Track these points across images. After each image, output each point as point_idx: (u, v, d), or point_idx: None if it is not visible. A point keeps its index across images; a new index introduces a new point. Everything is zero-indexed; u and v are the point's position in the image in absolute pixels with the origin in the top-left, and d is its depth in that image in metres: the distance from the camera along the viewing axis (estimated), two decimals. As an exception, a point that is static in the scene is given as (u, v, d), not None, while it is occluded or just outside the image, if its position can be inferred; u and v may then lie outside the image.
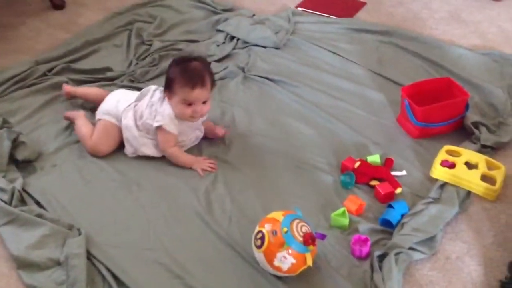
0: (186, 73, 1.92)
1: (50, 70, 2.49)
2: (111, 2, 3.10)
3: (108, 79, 2.44)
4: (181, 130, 2.01)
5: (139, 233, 1.77)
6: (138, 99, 2.07)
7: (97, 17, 2.95)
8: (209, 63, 2.02)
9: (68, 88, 2.31)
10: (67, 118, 2.20)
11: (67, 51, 2.62)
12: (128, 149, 2.05)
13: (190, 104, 1.94)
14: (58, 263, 1.65)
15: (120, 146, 2.08)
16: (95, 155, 2.05)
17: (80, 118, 2.14)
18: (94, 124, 2.11)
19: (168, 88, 1.96)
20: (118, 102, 2.08)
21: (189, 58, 1.98)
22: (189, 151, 2.07)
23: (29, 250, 1.67)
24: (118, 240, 1.75)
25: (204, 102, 1.96)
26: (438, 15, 2.88)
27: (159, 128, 1.99)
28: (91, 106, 2.24)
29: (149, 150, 2.04)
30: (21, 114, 2.26)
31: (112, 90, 2.23)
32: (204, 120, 2.09)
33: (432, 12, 2.91)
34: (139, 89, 2.19)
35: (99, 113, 2.11)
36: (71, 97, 2.31)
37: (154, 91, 2.06)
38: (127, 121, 2.03)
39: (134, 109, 2.04)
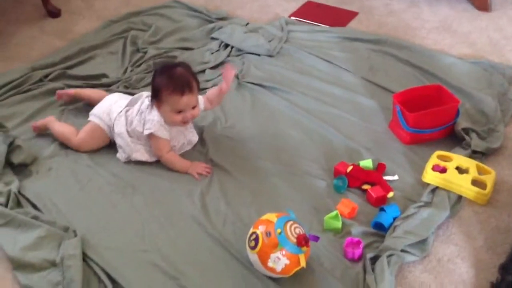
0: (172, 81, 1.92)
1: (46, 76, 2.51)
2: (106, 11, 3.13)
3: (103, 85, 2.46)
4: (170, 135, 2.03)
5: (134, 235, 1.79)
6: (130, 105, 2.10)
7: (92, 26, 2.97)
8: (190, 67, 2.03)
9: (71, 91, 2.33)
10: (37, 129, 2.21)
11: (63, 57, 2.64)
12: (121, 155, 2.07)
13: (180, 112, 1.95)
14: (53, 264, 1.66)
15: (111, 148, 2.10)
16: (77, 150, 2.11)
17: (54, 122, 2.19)
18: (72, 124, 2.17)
19: (156, 98, 1.97)
20: (110, 108, 2.11)
21: (171, 65, 2.01)
22: (184, 156, 2.09)
23: (25, 251, 1.69)
24: (113, 242, 1.76)
25: (193, 107, 1.98)
26: (429, 25, 2.93)
27: (150, 135, 2.01)
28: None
29: (141, 155, 2.05)
30: (17, 119, 2.28)
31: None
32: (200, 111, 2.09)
33: (423, 22, 2.96)
34: (133, 95, 2.21)
35: (92, 115, 2.14)
36: (72, 99, 2.33)
37: (145, 98, 2.08)
38: (119, 128, 2.05)
39: (126, 114, 2.07)
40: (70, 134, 2.13)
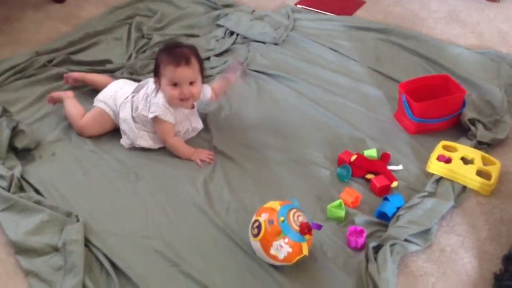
0: (171, 54, 1.95)
1: (50, 61, 2.50)
2: (112, -3, 3.12)
3: (108, 71, 2.45)
4: (175, 119, 2.02)
5: (137, 221, 1.78)
6: (136, 91, 2.09)
7: (97, 11, 2.96)
8: (196, 49, 2.04)
9: (76, 74, 2.33)
10: (52, 99, 2.21)
11: (68, 42, 2.63)
12: (125, 141, 2.07)
13: (176, 85, 1.95)
14: (56, 249, 1.66)
15: (115, 134, 2.10)
16: (81, 134, 2.11)
17: (70, 98, 2.18)
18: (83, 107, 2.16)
19: (157, 74, 1.98)
20: (116, 93, 2.11)
21: (175, 44, 2.02)
22: (188, 143, 2.08)
23: (27, 235, 1.68)
24: (116, 228, 1.76)
25: (192, 84, 1.96)
26: (437, 15, 2.90)
27: (155, 119, 2.00)
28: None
29: (146, 142, 2.05)
30: (21, 104, 2.27)
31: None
32: (206, 100, 2.12)
33: (431, 12, 2.93)
34: (138, 81, 2.20)
35: (97, 100, 2.14)
36: (77, 83, 2.33)
37: (151, 83, 2.08)
38: (125, 114, 2.05)
39: (132, 100, 2.06)
40: (77, 115, 2.12)
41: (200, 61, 2.01)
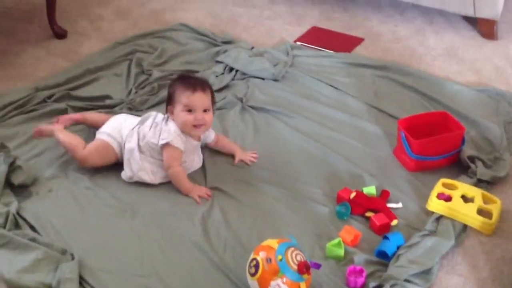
0: (187, 82, 2.02)
1: (49, 97, 2.50)
2: (113, 33, 3.14)
3: (107, 107, 2.45)
4: (185, 148, 2.02)
5: (132, 259, 1.76)
6: (141, 122, 2.10)
7: (98, 47, 2.98)
8: (208, 82, 2.15)
9: (75, 115, 2.28)
10: (40, 133, 2.17)
11: (67, 78, 2.63)
12: (126, 173, 2.05)
13: (191, 111, 1.97)
14: (50, 288, 1.63)
15: (113, 169, 2.09)
16: (82, 164, 2.08)
17: (61, 130, 2.15)
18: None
19: (170, 102, 2.03)
20: (121, 125, 2.12)
21: (189, 75, 2.14)
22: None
23: (21, 273, 1.66)
24: (111, 265, 1.73)
25: (205, 111, 1.99)
26: (435, 52, 2.92)
27: (165, 145, 2.00)
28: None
29: (147, 176, 2.03)
30: (19, 139, 2.26)
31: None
32: (208, 141, 2.15)
33: (429, 49, 2.95)
34: (139, 116, 2.20)
35: (100, 133, 2.13)
36: (72, 123, 2.28)
37: (156, 114, 2.12)
38: (131, 144, 2.05)
39: (138, 131, 2.07)
40: (78, 145, 2.09)
41: (213, 93, 2.07)
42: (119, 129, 2.11)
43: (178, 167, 2.01)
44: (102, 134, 2.12)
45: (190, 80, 2.03)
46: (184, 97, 1.98)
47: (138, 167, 2.03)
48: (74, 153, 2.10)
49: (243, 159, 2.16)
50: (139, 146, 2.04)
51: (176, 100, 2.00)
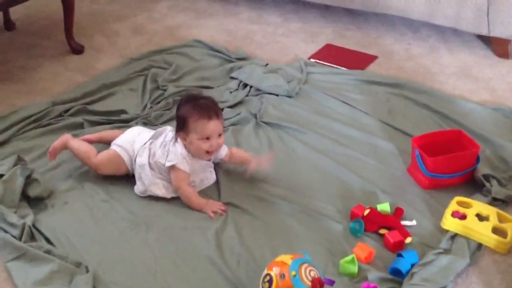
0: (199, 107, 1.98)
1: (66, 111, 2.53)
2: (128, 49, 3.18)
3: (122, 121, 2.48)
4: (192, 169, 2.02)
5: (145, 272, 1.76)
6: (154, 137, 2.12)
7: (114, 63, 3.02)
8: (214, 99, 2.10)
9: (91, 136, 2.26)
10: (54, 151, 2.16)
11: (84, 93, 2.67)
12: (139, 188, 2.07)
13: (207, 138, 1.97)
14: (64, 300, 1.64)
15: (128, 182, 2.11)
16: (95, 171, 2.12)
17: (72, 140, 2.16)
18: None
19: (182, 127, 2.00)
20: (134, 139, 2.13)
21: (196, 96, 2.07)
22: (200, 194, 2.07)
23: (36, 285, 1.67)
24: (125, 279, 1.74)
25: (219, 136, 2.00)
26: (449, 70, 2.93)
27: (172, 167, 2.01)
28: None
29: (159, 190, 2.05)
30: (35, 152, 2.29)
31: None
32: (219, 158, 2.14)
33: (443, 67, 2.96)
34: (154, 130, 2.22)
35: (114, 145, 2.15)
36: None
37: (169, 131, 2.11)
38: (142, 160, 2.06)
39: (149, 146, 2.08)
40: (91, 152, 2.12)
41: (221, 113, 2.06)
42: (132, 142, 2.12)
43: (186, 187, 2.02)
44: (115, 146, 2.14)
45: (201, 106, 1.97)
46: (200, 127, 1.95)
47: (149, 182, 2.04)
48: (86, 160, 2.12)
49: (259, 163, 2.12)
50: (149, 163, 2.05)
51: (191, 129, 1.97)
